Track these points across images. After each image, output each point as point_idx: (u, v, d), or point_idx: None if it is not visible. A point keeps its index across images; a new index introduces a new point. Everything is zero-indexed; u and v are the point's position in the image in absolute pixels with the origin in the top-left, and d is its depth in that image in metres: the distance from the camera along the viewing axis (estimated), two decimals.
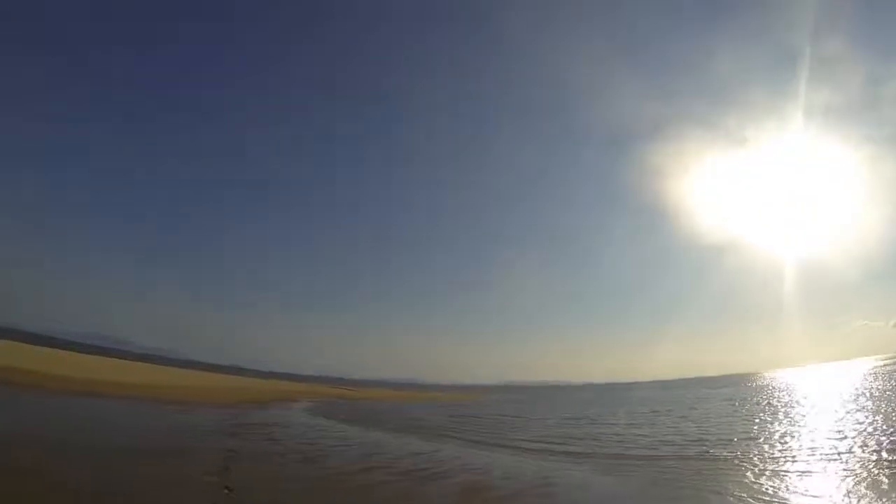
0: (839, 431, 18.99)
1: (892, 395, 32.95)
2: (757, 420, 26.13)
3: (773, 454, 15.48)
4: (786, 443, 17.57)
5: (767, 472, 12.81)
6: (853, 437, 17.13)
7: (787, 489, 11.13)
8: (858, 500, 9.93)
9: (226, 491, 9.84)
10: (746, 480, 12.03)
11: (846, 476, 11.88)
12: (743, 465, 13.91)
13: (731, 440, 19.14)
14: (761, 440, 18.48)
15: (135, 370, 69.51)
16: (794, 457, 14.87)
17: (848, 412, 25.62)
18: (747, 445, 17.47)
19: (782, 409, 31.54)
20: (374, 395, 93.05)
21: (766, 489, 11.11)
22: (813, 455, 14.92)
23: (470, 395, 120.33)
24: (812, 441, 17.54)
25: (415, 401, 77.40)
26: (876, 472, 11.96)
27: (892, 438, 16.16)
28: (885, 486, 10.66)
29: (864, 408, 26.81)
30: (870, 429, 18.88)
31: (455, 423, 35.02)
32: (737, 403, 41.17)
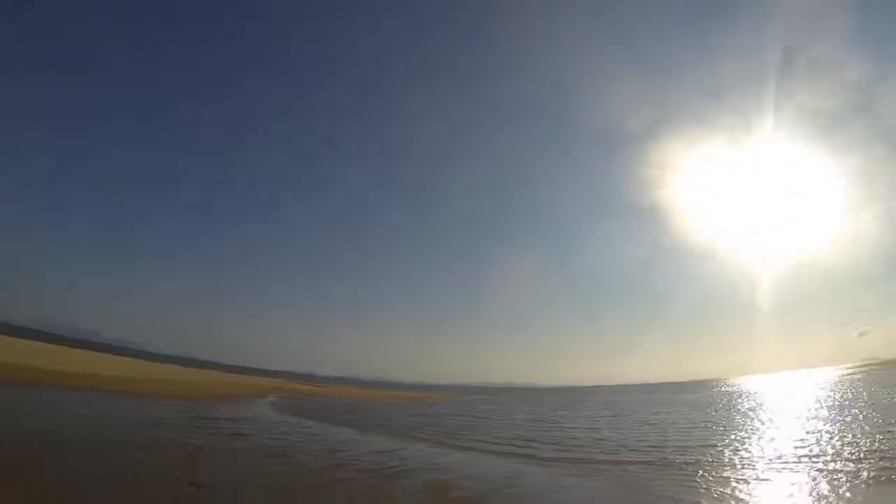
0: (797, 439, 19.59)
1: (850, 404, 34.24)
2: (717, 427, 26.91)
3: (730, 461, 15.93)
4: (744, 449, 18.06)
5: (723, 479, 13.22)
6: (810, 445, 17.67)
7: (742, 495, 11.53)
8: None
9: (192, 487, 9.72)
10: (701, 486, 12.42)
11: (801, 483, 12.29)
12: (699, 471, 14.30)
13: (690, 446, 19.68)
14: (720, 447, 18.98)
15: (101, 362, 67.32)
16: (750, 463, 15.29)
17: (808, 419, 26.51)
18: (705, 451, 17.96)
19: (742, 416, 32.54)
20: (343, 393, 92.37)
21: (720, 495, 11.51)
22: (769, 462, 15.38)
23: (439, 395, 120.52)
24: (770, 448, 18.07)
25: (383, 399, 77.12)
26: (830, 478, 12.37)
27: (847, 446, 16.72)
28: (837, 493, 11.12)
29: (822, 416, 27.84)
30: (827, 436, 19.55)
31: (422, 422, 35.12)
32: (699, 410, 42.29)
